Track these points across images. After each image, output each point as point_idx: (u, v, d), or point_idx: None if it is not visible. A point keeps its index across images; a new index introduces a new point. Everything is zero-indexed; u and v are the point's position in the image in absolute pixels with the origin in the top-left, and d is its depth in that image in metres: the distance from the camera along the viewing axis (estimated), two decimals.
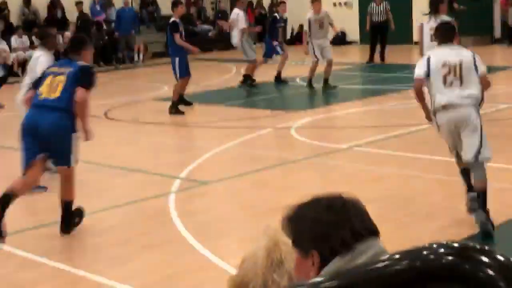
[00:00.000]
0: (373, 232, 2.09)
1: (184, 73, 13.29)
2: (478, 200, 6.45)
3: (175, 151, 10.58)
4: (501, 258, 1.14)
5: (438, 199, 7.51)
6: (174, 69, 13.38)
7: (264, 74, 18.13)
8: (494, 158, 8.47)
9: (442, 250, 1.16)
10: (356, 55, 23.30)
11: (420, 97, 6.75)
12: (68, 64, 7.11)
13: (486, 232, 6.26)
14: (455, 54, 6.57)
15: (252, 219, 7.19)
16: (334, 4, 24.17)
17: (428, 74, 6.55)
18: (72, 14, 23.28)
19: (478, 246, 1.15)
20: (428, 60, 6.60)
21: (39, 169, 6.89)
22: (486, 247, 1.14)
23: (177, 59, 13.25)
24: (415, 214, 7.03)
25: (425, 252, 1.16)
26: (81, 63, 7.11)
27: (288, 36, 26.87)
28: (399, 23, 20.89)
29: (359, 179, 8.39)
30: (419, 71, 6.61)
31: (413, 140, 10.46)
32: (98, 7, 24.07)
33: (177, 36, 13.23)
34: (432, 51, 6.87)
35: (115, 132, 12.32)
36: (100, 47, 23.11)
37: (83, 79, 6.99)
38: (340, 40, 24.81)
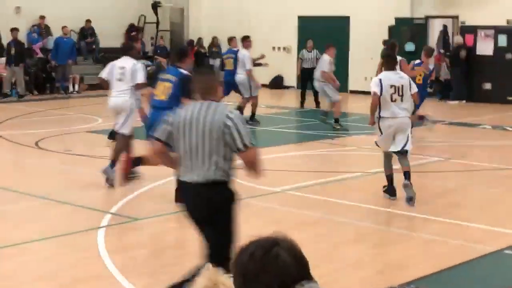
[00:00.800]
0: (306, 277, 2.07)
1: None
2: (408, 182, 9.02)
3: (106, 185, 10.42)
4: None
5: (368, 246, 7.59)
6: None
7: None
8: (420, 209, 8.65)
9: None
10: (292, 99, 23.57)
11: (373, 109, 9.13)
12: (173, 72, 9.16)
13: (410, 197, 9.00)
14: (398, 78, 9.19)
15: (183, 258, 7.12)
16: (273, 48, 24.46)
17: (380, 92, 9.01)
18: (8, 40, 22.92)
19: None
20: (380, 81, 9.09)
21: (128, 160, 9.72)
22: None
23: None
24: (344, 260, 7.09)
25: None
26: (183, 71, 9.03)
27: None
28: (336, 72, 21.31)
29: (290, 222, 8.42)
30: (376, 89, 9.01)
31: (344, 187, 10.59)
32: (35, 35, 23.77)
33: None
34: (381, 75, 9.31)
35: (45, 163, 12.09)
36: (34, 76, 22.78)
37: (184, 88, 8.41)
38: (277, 84, 25.07)
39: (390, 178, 9.46)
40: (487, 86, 21.30)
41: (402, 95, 9.05)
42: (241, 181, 10.55)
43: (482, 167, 11.76)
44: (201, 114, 5.22)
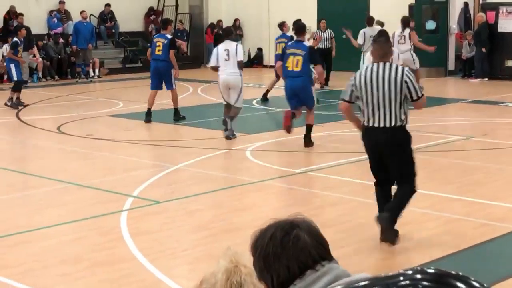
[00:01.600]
0: (326, 257, 2.08)
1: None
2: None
3: (129, 169, 10.48)
4: (476, 284, 1.14)
5: None
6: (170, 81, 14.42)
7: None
8: (443, 189, 8.60)
9: (418, 276, 1.16)
10: None
11: None
12: (299, 46, 11.66)
13: None
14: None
15: (205, 240, 7.15)
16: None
17: None
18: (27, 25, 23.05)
19: (453, 273, 1.16)
20: None
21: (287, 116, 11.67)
22: (461, 274, 1.15)
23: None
24: (367, 240, 7.07)
25: (401, 278, 1.16)
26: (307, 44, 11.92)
27: (246, 59, 27.00)
28: (356, 51, 21.23)
29: (313, 203, 8.42)
30: None
31: (365, 167, 10.55)
32: (55, 20, 23.86)
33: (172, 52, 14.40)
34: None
35: (67, 147, 12.17)
36: (57, 61, 22.90)
37: (313, 57, 11.65)
38: None
39: None
40: (509, 63, 21.08)
41: None
42: (262, 163, 10.59)
43: (505, 145, 11.67)
44: (385, 73, 6.67)
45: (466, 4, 23.68)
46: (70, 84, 21.86)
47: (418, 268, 1.19)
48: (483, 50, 21.02)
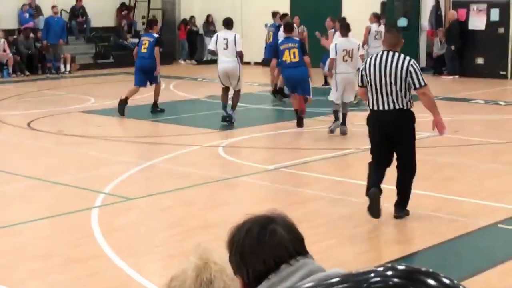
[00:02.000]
0: (301, 252, 2.10)
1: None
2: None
3: (100, 165, 10.41)
4: (446, 280, 1.15)
5: (362, 222, 7.60)
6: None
7: (194, 91, 18.10)
8: (414, 185, 8.66)
9: (389, 272, 1.16)
10: None
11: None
12: (291, 40, 13.04)
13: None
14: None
15: (177, 237, 7.13)
16: (266, 25, 24.33)
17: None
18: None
19: (424, 269, 1.16)
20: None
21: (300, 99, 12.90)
22: (431, 270, 1.15)
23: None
24: (339, 236, 7.10)
25: (372, 275, 1.16)
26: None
27: None
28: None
29: (286, 200, 8.43)
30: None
31: (338, 163, 10.61)
32: (27, 15, 23.62)
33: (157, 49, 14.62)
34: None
35: (38, 143, 12.06)
36: (27, 56, 22.67)
37: (303, 49, 13.06)
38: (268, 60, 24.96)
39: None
40: (480, 60, 21.27)
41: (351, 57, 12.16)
42: (235, 160, 10.58)
43: (475, 142, 11.78)
44: (393, 61, 7.30)
45: (437, 2, 23.84)
46: (40, 79, 21.65)
47: (389, 264, 1.20)
48: (452, 47, 21.19)
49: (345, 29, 12.57)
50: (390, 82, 7.26)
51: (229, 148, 11.44)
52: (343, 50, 12.18)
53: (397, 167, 7.59)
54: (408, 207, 7.93)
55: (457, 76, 21.18)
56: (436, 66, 22.31)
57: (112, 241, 6.89)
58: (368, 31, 16.85)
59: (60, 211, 7.96)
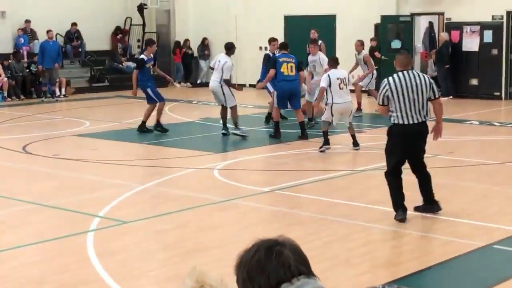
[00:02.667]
0: (304, 272, 2.23)
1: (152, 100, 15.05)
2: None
3: (95, 189, 10.40)
4: None
5: (358, 244, 7.60)
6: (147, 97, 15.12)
7: (189, 114, 18.13)
8: (409, 206, 8.63)
9: None
10: None
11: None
12: (289, 56, 14.33)
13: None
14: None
15: (172, 260, 7.11)
16: (260, 48, 24.45)
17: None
18: None
19: None
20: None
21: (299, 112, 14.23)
22: None
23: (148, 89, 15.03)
24: (334, 258, 7.09)
25: None
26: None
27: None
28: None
29: (280, 222, 8.42)
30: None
31: (333, 185, 10.61)
32: (21, 40, 23.70)
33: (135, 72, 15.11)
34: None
35: (33, 167, 12.05)
36: (22, 80, 22.70)
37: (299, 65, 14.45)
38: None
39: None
40: (474, 82, 21.38)
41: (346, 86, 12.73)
42: (230, 182, 10.58)
43: (470, 163, 11.80)
44: (416, 78, 8.19)
45: (431, 24, 23.99)
46: (36, 103, 21.68)
47: (380, 286, 1.21)
48: (445, 67, 21.28)
49: (334, 63, 12.98)
50: (416, 98, 8.13)
51: (224, 170, 11.45)
52: (337, 78, 12.51)
53: (416, 171, 8.56)
54: (404, 229, 7.95)
55: (451, 97, 21.26)
56: None
57: (107, 264, 6.87)
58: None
59: (55, 235, 7.94)
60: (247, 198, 9.64)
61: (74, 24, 24.95)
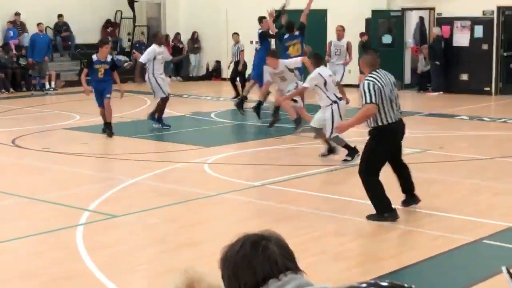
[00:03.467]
0: (291, 268, 2.18)
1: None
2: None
3: (85, 183, 10.37)
4: None
5: (348, 238, 7.61)
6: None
7: (180, 108, 18.09)
8: (399, 201, 8.64)
9: None
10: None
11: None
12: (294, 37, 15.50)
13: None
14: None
15: (162, 254, 7.10)
16: (251, 42, 24.39)
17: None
18: None
19: (407, 285, 1.17)
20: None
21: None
22: (413, 286, 1.16)
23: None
24: (324, 253, 7.10)
25: None
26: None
27: (204, 72, 26.98)
28: None
29: (270, 216, 8.42)
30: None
31: (324, 180, 10.62)
32: (11, 33, 23.58)
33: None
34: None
35: (22, 161, 12.00)
36: (11, 73, 22.60)
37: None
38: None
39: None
40: (464, 77, 21.43)
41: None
42: (221, 176, 10.57)
43: (460, 158, 11.83)
44: (388, 76, 8.13)
45: (421, 19, 24.03)
46: (25, 96, 21.59)
47: (373, 281, 1.21)
48: (437, 63, 21.34)
49: (320, 60, 11.87)
50: (393, 96, 8.04)
51: (215, 164, 11.43)
52: (329, 75, 11.56)
53: (397, 167, 8.46)
54: (394, 223, 7.96)
55: (441, 93, 21.30)
56: (421, 82, 22.45)
57: (97, 259, 6.85)
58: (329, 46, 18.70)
59: (44, 229, 7.92)
60: (238, 193, 9.63)
61: (60, 16, 24.77)
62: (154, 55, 14.85)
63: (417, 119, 16.62)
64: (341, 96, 11.50)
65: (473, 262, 7.10)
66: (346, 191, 9.64)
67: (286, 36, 15.77)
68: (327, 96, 11.29)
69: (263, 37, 17.10)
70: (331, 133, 11.15)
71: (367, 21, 22.60)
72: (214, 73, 26.71)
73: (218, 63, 26.70)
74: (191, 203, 9.13)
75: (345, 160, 11.34)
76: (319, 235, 7.67)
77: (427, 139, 13.91)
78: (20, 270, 6.64)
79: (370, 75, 8.04)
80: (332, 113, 11.25)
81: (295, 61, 13.90)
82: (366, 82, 7.98)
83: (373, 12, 22.36)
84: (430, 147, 12.66)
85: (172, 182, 10.26)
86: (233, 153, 12.50)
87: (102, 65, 14.14)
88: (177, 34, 26.57)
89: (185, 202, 9.14)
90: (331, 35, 23.02)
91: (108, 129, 13.97)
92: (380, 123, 7.99)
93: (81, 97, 21.31)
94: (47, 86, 22.84)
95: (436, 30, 21.60)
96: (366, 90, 7.90)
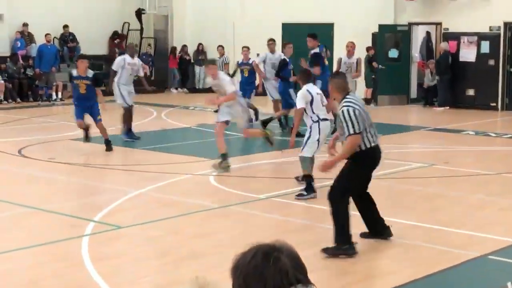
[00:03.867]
0: (301, 280, 2.19)
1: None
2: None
3: (90, 193, 10.39)
4: None
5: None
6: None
7: (185, 120, 18.12)
8: (403, 216, 8.64)
9: None
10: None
11: None
12: None
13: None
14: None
15: (166, 266, 7.10)
16: (258, 55, 24.42)
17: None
18: None
19: None
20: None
21: None
22: None
23: None
24: (329, 267, 7.08)
25: None
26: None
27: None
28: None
29: (275, 229, 8.41)
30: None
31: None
32: (19, 43, 23.69)
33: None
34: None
35: (28, 171, 12.02)
36: (18, 83, 22.68)
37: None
38: (265, 91, 25.04)
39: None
40: (471, 92, 21.42)
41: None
42: (226, 188, 10.57)
43: (465, 173, 11.81)
44: (360, 101, 7.73)
45: (428, 33, 24.06)
46: (32, 106, 21.66)
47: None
48: (444, 77, 21.34)
49: (308, 76, 10.62)
50: (370, 118, 7.62)
51: (220, 177, 11.43)
52: (317, 93, 10.28)
53: (366, 198, 7.84)
54: (398, 238, 7.94)
55: (448, 107, 21.29)
56: (427, 97, 22.44)
57: (101, 269, 6.85)
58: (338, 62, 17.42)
59: (49, 240, 7.92)
60: (243, 205, 9.63)
61: (66, 26, 24.83)
62: (123, 65, 15.05)
63: (423, 133, 16.61)
64: (328, 118, 10.33)
65: (478, 277, 7.08)
66: (351, 204, 9.60)
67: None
68: (310, 116, 10.07)
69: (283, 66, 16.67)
70: (302, 149, 10.07)
71: (374, 35, 22.63)
72: None
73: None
74: (196, 215, 9.12)
75: (299, 195, 9.95)
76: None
77: (432, 153, 13.90)
78: (22, 280, 6.64)
79: (347, 100, 7.47)
80: (311, 130, 10.07)
81: (230, 82, 12.26)
82: (346, 108, 7.35)
83: (380, 26, 22.40)
84: (435, 162, 12.65)
85: (178, 194, 10.26)
86: (239, 165, 12.50)
87: (82, 80, 13.81)
88: (184, 46, 26.65)
89: (189, 214, 9.14)
90: (337, 49, 23.06)
91: (107, 145, 13.81)
92: (363, 148, 7.43)
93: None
94: (54, 96, 22.92)
95: (443, 45, 21.61)
96: (348, 119, 7.28)
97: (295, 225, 8.62)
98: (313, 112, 10.05)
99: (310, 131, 10.06)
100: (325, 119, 10.15)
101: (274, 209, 9.47)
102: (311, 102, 10.07)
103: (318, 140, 10.01)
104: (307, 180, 10.03)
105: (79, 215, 8.99)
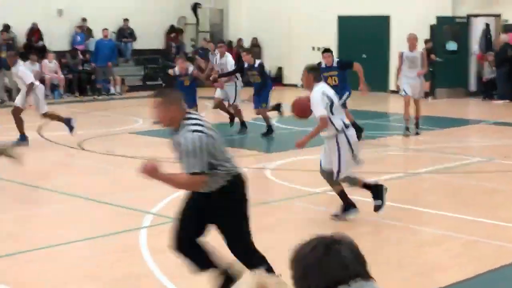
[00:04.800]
0: (361, 274, 2.18)
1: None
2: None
3: (148, 186, 10.46)
4: None
5: (410, 247, 7.53)
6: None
7: (243, 114, 18.17)
8: (462, 210, 8.52)
9: None
10: None
11: None
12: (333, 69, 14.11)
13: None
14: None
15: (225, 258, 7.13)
16: (313, 48, 24.37)
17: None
18: (49, 42, 23.34)
19: None
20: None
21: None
22: None
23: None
24: (386, 261, 7.04)
25: None
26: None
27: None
28: (377, 71, 21.30)
29: (332, 223, 8.40)
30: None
31: (388, 187, 10.51)
32: (78, 38, 24.10)
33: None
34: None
35: (88, 164, 12.24)
36: (77, 77, 23.10)
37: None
38: None
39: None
40: None
41: None
42: (282, 182, 10.58)
43: None
44: None
45: (487, 25, 23.63)
46: (90, 100, 22.02)
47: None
48: (500, 71, 20.94)
49: (319, 74, 8.53)
50: None
51: (277, 170, 11.45)
52: (334, 94, 8.52)
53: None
54: (456, 233, 7.85)
55: (507, 101, 20.90)
56: (486, 90, 22.06)
57: (160, 261, 6.94)
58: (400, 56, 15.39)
59: (108, 231, 8.06)
60: (299, 199, 9.63)
61: (125, 20, 25.12)
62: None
63: (483, 127, 16.34)
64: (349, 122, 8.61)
65: None
66: (407, 199, 9.53)
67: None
68: (332, 123, 8.21)
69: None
70: (339, 171, 8.34)
71: (431, 27, 22.33)
72: (276, 79, 26.72)
73: (279, 69, 26.74)
74: (254, 209, 9.13)
75: (377, 207, 8.46)
76: (380, 244, 7.61)
77: (492, 148, 13.67)
78: (83, 272, 6.77)
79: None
80: (338, 146, 8.25)
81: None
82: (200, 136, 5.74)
83: (438, 18, 22.09)
84: (495, 156, 12.44)
85: None
86: (296, 159, 12.49)
87: (184, 77, 15.02)
88: (240, 39, 26.72)
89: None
90: (394, 42, 22.83)
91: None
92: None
93: (144, 101, 21.64)
94: (112, 90, 23.27)
95: (503, 37, 21.21)
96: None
97: (352, 220, 8.57)
98: (335, 119, 8.21)
99: (338, 148, 8.23)
100: (348, 126, 8.35)
101: (331, 203, 9.44)
102: (331, 106, 8.20)
103: (352, 152, 8.32)
104: (369, 187, 8.62)
105: (137, 207, 9.11)
